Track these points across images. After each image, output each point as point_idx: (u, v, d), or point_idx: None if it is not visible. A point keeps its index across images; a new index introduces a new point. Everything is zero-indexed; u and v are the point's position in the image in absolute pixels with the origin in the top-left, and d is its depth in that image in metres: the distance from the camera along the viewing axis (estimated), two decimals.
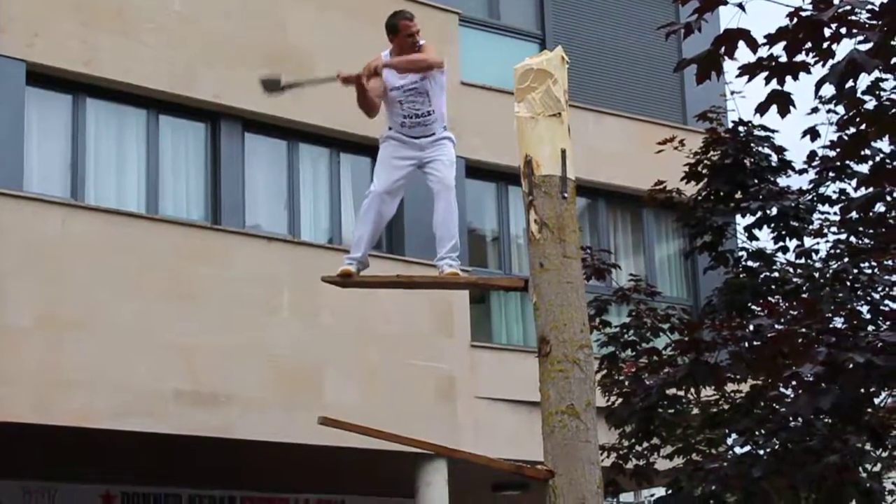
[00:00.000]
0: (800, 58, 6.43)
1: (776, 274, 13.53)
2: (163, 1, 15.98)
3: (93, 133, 15.65)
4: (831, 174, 13.66)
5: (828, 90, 9.48)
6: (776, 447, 11.83)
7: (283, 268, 16.07)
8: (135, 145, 15.95)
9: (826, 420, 11.14)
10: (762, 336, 9.37)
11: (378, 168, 9.63)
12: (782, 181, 13.92)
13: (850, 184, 13.62)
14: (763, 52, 6.51)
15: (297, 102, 16.56)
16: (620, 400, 13.47)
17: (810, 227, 13.65)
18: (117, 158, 15.81)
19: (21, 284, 14.31)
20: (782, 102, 6.73)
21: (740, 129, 13.88)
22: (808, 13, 6.28)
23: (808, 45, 6.29)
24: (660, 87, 20.46)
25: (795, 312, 9.71)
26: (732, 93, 13.73)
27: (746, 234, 13.85)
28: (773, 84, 6.61)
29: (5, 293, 14.17)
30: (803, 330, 8.93)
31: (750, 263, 13.81)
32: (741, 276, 13.72)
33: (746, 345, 10.32)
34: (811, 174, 13.80)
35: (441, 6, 17.09)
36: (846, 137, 12.37)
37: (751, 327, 10.51)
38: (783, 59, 6.44)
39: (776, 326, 9.37)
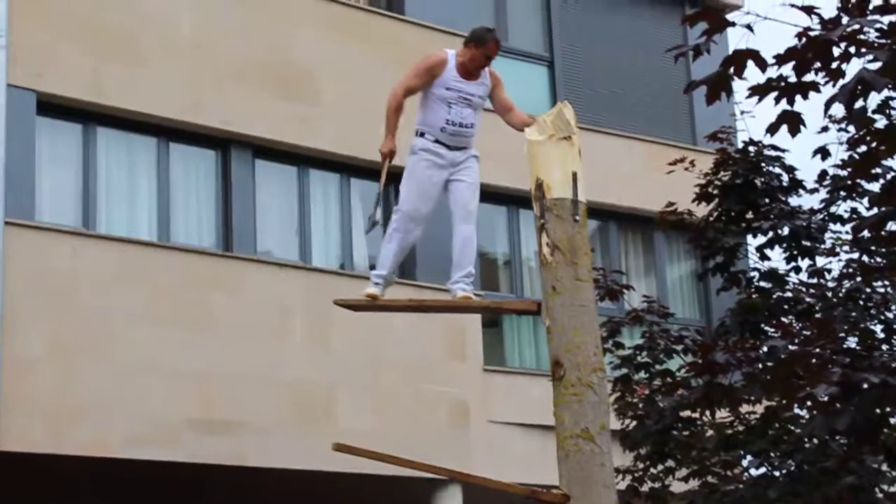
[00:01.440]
0: (809, 77, 6.43)
1: (789, 294, 13.48)
2: (171, 28, 16.01)
3: (103, 162, 15.68)
4: (842, 193, 13.63)
5: (838, 109, 9.47)
6: (792, 468, 11.77)
7: (294, 294, 16.07)
8: (145, 173, 15.97)
9: (842, 441, 11.08)
10: (776, 357, 9.33)
11: (407, 182, 9.44)
12: (793, 200, 13.88)
13: (861, 202, 13.59)
14: (772, 72, 6.51)
15: (307, 129, 16.62)
16: (634, 422, 13.43)
17: (822, 246, 13.61)
18: (128, 187, 15.83)
19: (33, 313, 14.33)
20: (793, 122, 6.72)
21: (751, 148, 13.86)
22: (817, 33, 6.28)
23: (818, 64, 6.28)
24: (668, 107, 20.46)
25: (809, 332, 9.67)
26: (742, 112, 13.72)
27: (758, 255, 13.80)
28: (783, 104, 6.60)
29: (17, 322, 14.17)
30: (817, 350, 8.89)
31: (762, 284, 13.77)
32: (754, 296, 13.67)
33: (760, 366, 10.28)
34: (822, 193, 13.77)
35: (449, 29, 17.09)
36: (857, 156, 12.37)
37: (765, 348, 10.47)
38: (793, 78, 6.43)
39: (790, 347, 9.33)
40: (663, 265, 19.96)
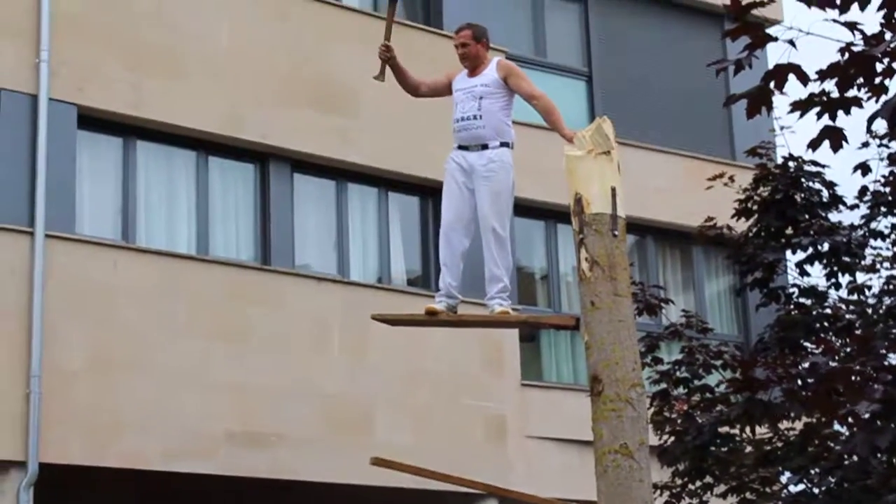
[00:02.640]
0: (852, 93, 6.38)
1: (828, 310, 13.40)
2: (210, 42, 16.09)
3: (143, 175, 15.76)
4: (883, 209, 13.54)
5: (880, 125, 9.43)
6: (832, 485, 11.69)
7: (332, 308, 16.10)
8: (185, 187, 16.05)
9: (883, 458, 10.99)
10: (817, 374, 9.26)
11: (444, 192, 9.48)
12: (834, 216, 13.80)
13: None
14: (814, 87, 6.47)
15: (345, 143, 16.66)
16: (673, 438, 13.37)
17: (862, 262, 13.52)
18: (167, 200, 15.91)
19: (72, 326, 14.42)
20: (835, 138, 6.68)
21: (790, 164, 13.79)
22: (860, 48, 6.24)
23: (861, 80, 6.24)
24: (707, 122, 20.40)
25: (849, 349, 9.61)
26: (782, 128, 13.67)
27: (798, 271, 13.73)
28: (825, 119, 6.56)
29: (57, 335, 14.26)
30: (858, 367, 8.82)
31: (802, 300, 13.69)
32: (793, 312, 13.60)
33: (800, 382, 10.21)
34: (863, 209, 13.69)
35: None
36: None
37: (805, 364, 10.40)
38: (835, 94, 6.39)
39: (831, 364, 9.27)
40: (701, 280, 19.89)
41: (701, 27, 20.79)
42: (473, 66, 9.40)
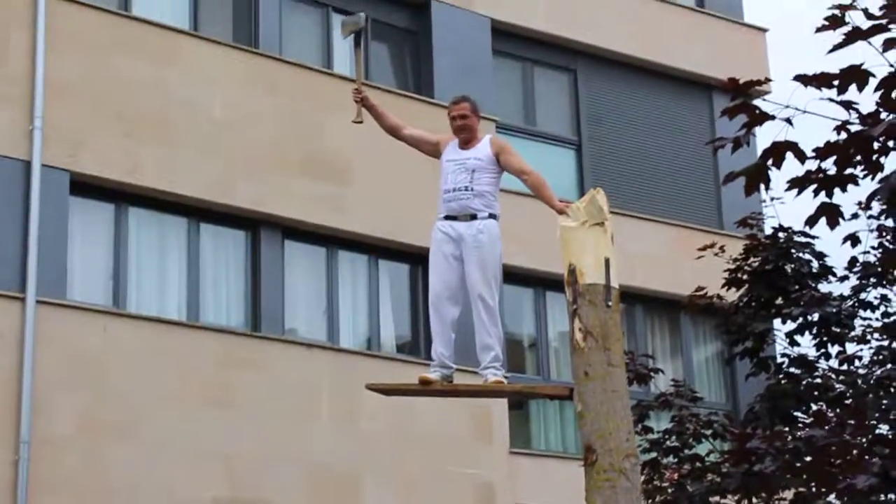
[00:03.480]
0: (848, 170, 6.48)
1: (819, 380, 13.45)
2: (203, 111, 16.20)
3: (135, 241, 15.82)
4: (872, 280, 13.61)
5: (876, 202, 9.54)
6: None
7: (322, 374, 16.12)
8: (176, 253, 16.10)
9: None
10: (813, 446, 9.29)
11: (430, 262, 9.48)
12: (823, 287, 13.87)
13: (891, 289, 13.58)
14: (810, 164, 6.56)
15: (336, 211, 16.74)
16: None
17: (852, 332, 13.58)
18: (159, 266, 15.95)
19: (63, 392, 14.42)
20: (832, 215, 6.78)
21: (780, 235, 13.88)
22: (858, 128, 6.34)
23: (858, 158, 6.34)
24: (695, 191, 20.56)
25: (844, 421, 9.63)
26: (772, 199, 13.77)
27: (788, 341, 13.79)
28: (821, 196, 6.65)
29: (48, 401, 14.25)
30: (856, 441, 8.86)
31: (792, 370, 13.74)
32: (783, 382, 13.64)
33: (793, 454, 10.21)
34: (852, 280, 13.76)
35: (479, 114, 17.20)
36: (886, 244, 12.43)
37: (799, 435, 10.40)
38: (831, 171, 6.48)
39: (827, 437, 9.29)
40: (689, 348, 19.95)
41: (689, 97, 21.00)
42: (469, 138, 9.46)
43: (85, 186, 15.40)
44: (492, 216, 9.36)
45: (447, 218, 9.33)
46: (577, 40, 19.98)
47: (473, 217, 9.29)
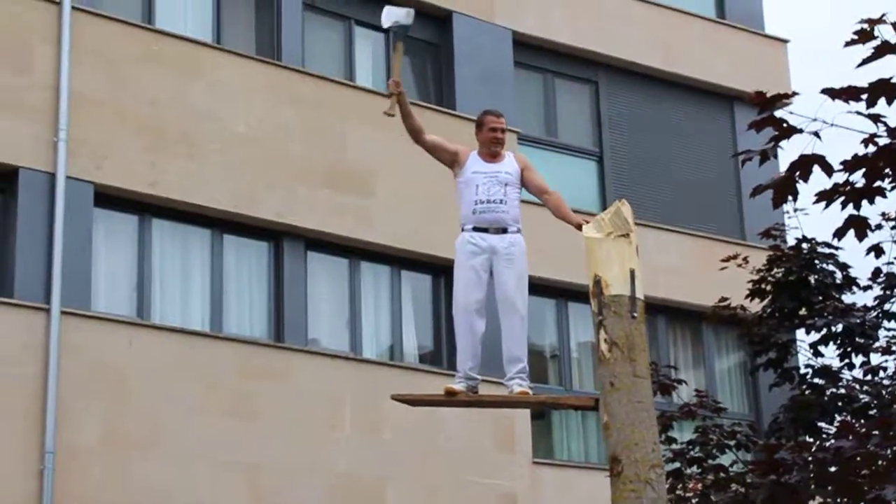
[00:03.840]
0: (877, 183, 6.51)
1: (842, 391, 13.44)
2: (227, 123, 16.27)
3: (158, 253, 15.89)
4: None
5: (891, 207, 9.51)
6: None
7: (345, 384, 16.16)
8: (199, 264, 16.16)
9: None
10: (842, 457, 9.30)
11: (456, 277, 9.49)
12: (847, 298, 13.87)
13: None
14: (837, 177, 6.58)
15: (359, 222, 16.80)
16: None
17: (876, 343, 13.57)
18: (182, 277, 16.02)
19: (87, 402, 14.49)
20: (859, 227, 6.80)
21: (804, 245, 13.88)
22: (886, 141, 6.36)
23: (887, 171, 6.36)
24: (717, 202, 20.54)
25: (871, 432, 9.62)
26: (796, 210, 13.78)
27: (811, 351, 13.78)
28: (849, 209, 6.67)
29: (72, 411, 14.32)
30: (883, 451, 8.86)
31: (816, 380, 13.73)
32: (806, 392, 13.64)
33: (820, 465, 10.21)
34: (876, 290, 13.75)
35: None
36: None
37: (827, 446, 10.40)
38: (859, 184, 6.51)
39: (855, 448, 9.29)
40: (712, 359, 19.94)
41: (711, 108, 21.01)
42: (499, 152, 9.49)
43: (109, 198, 15.48)
44: (518, 230, 9.42)
45: (476, 230, 9.35)
46: (598, 52, 20.01)
47: (504, 231, 9.33)
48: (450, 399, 9.86)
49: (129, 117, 15.67)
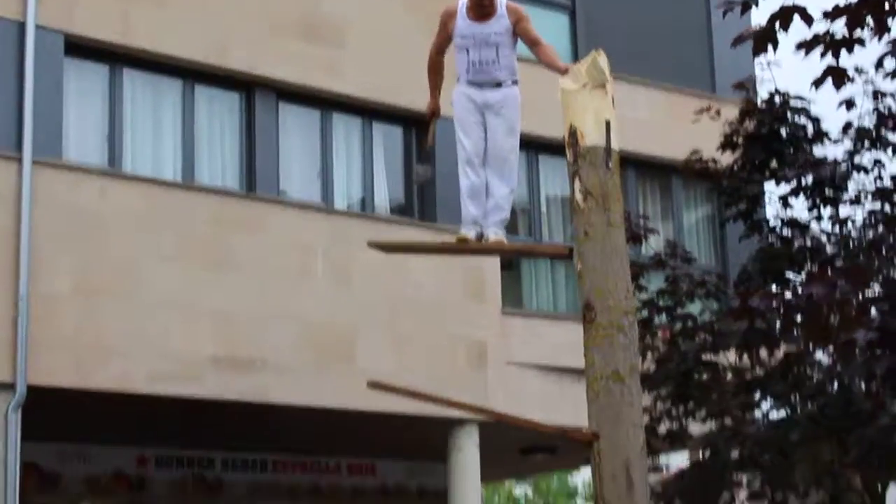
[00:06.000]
0: (856, 33, 6.54)
1: (811, 242, 13.60)
2: None
3: (129, 103, 15.81)
4: (866, 143, 13.69)
5: (864, 60, 9.56)
6: (814, 413, 11.92)
7: (316, 235, 16.23)
8: (171, 115, 16.10)
9: (867, 386, 11.22)
10: (814, 303, 9.47)
11: (457, 125, 9.48)
12: (818, 151, 13.97)
13: (886, 153, 13.67)
14: (818, 27, 6.61)
15: (331, 73, 16.72)
16: (655, 365, 13.59)
17: (846, 195, 13.69)
18: (154, 128, 15.97)
19: (59, 251, 14.51)
20: (838, 77, 6.85)
21: (776, 98, 13.93)
22: None
23: (868, 18, 6.39)
24: (688, 55, 20.48)
25: (835, 280, 9.78)
26: (769, 63, 13.81)
27: (781, 203, 13.91)
28: (827, 59, 6.72)
29: (44, 260, 14.36)
30: (859, 297, 9.03)
31: (785, 232, 13.88)
32: (775, 244, 13.79)
33: (792, 311, 10.37)
34: (847, 143, 13.85)
35: None
36: (880, 109, 12.51)
37: (799, 292, 10.57)
38: (839, 35, 6.54)
39: (828, 295, 9.45)
40: (679, 211, 20.08)
41: None
42: (486, 12, 9.39)
43: (80, 47, 15.33)
44: (514, 82, 9.40)
45: (471, 84, 9.35)
46: None
47: (499, 85, 9.33)
48: (425, 246, 9.95)
49: None
